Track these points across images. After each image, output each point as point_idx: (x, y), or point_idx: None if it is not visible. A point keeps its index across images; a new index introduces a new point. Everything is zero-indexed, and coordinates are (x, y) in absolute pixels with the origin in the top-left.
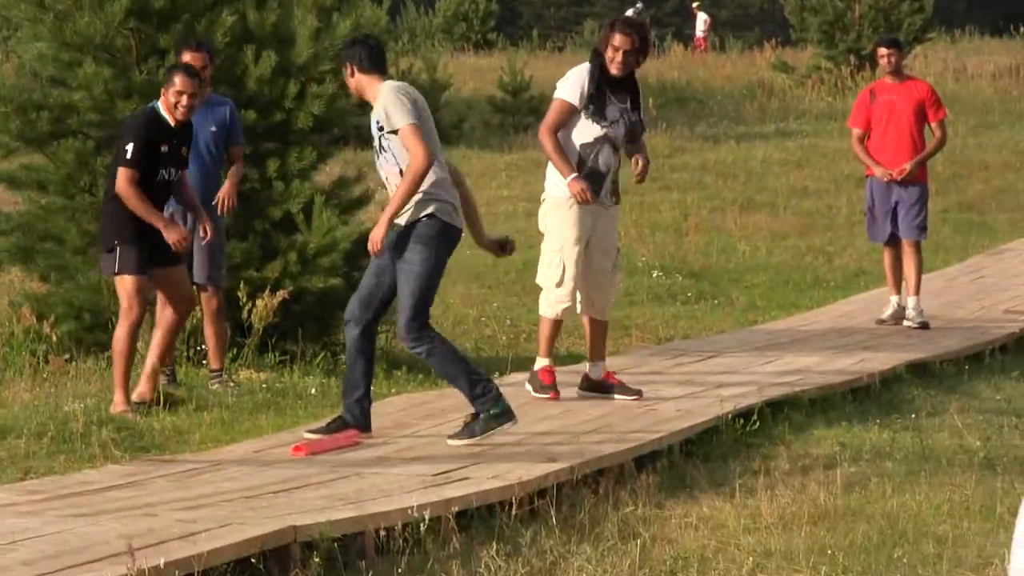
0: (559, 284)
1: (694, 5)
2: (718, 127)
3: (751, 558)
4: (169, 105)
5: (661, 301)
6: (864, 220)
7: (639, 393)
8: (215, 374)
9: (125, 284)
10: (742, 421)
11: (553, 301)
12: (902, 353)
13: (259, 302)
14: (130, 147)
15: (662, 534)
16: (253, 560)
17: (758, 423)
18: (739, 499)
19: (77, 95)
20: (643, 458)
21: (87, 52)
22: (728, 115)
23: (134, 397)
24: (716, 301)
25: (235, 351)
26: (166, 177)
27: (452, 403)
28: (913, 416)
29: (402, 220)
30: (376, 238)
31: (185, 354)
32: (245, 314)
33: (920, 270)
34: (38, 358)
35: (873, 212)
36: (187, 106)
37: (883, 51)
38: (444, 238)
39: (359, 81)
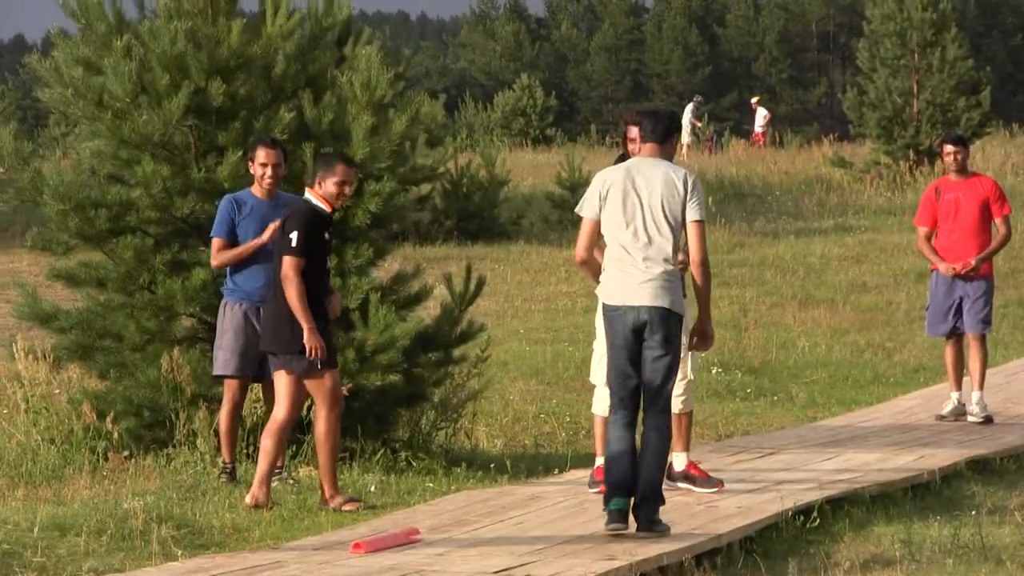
0: (607, 383)
1: (754, 101)
2: (777, 222)
3: None
4: (326, 195)
5: (721, 397)
6: (924, 315)
7: (720, 483)
8: (276, 471)
9: (327, 379)
10: (802, 518)
11: (603, 399)
12: (962, 449)
13: None
14: (295, 235)
15: None
16: None
17: (818, 520)
18: None
19: (135, 192)
20: (702, 555)
21: (145, 149)
22: (787, 210)
23: (247, 500)
24: (776, 397)
25: (294, 448)
26: (328, 265)
27: (511, 500)
28: (974, 513)
29: None
30: None
31: (244, 451)
32: (304, 411)
33: (985, 364)
34: (98, 455)
35: (935, 307)
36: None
37: (949, 149)
38: None
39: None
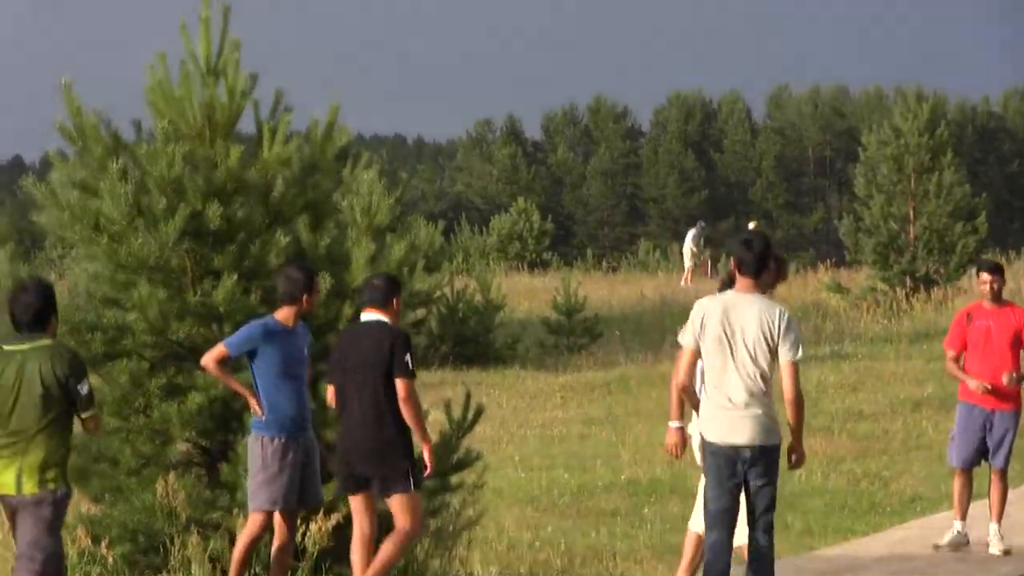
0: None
1: (751, 225)
2: None
3: None
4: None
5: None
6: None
7: None
8: None
9: (417, 500)
10: None
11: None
12: None
13: (313, 525)
14: (409, 358)
15: None
16: None
17: None
18: None
19: (131, 316)
20: None
21: (141, 273)
22: None
23: None
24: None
25: (289, 574)
26: None
27: None
28: None
29: None
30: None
31: None
32: (299, 537)
33: (1005, 497)
34: None
35: (964, 437)
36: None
37: (986, 277)
38: None
39: None
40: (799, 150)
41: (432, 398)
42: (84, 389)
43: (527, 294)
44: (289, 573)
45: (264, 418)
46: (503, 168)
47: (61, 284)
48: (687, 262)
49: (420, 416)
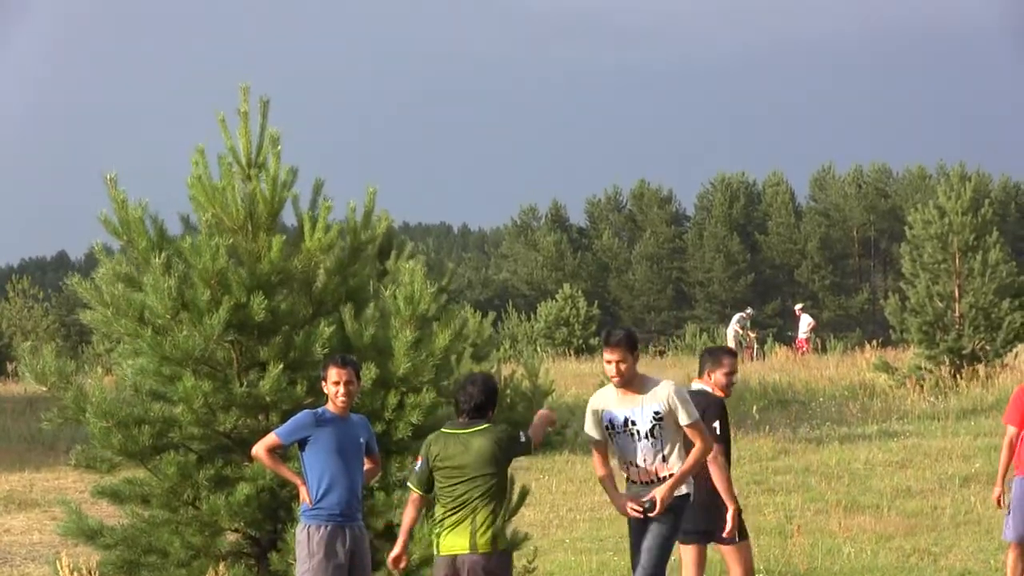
0: None
1: (798, 308)
2: (821, 429)
3: None
4: (722, 384)
5: None
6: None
7: None
8: None
9: (743, 549)
10: None
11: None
12: None
13: None
14: (717, 424)
15: None
16: None
17: None
18: None
19: (178, 408)
20: None
21: (187, 366)
22: (831, 416)
23: None
24: None
25: None
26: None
27: None
28: None
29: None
30: (664, 500)
31: None
32: None
33: None
34: None
35: (1017, 511)
36: (732, 384)
37: None
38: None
39: (635, 363)
40: (843, 231)
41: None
42: (522, 439)
43: (575, 379)
44: None
45: (312, 507)
46: (548, 255)
47: (108, 379)
48: (731, 344)
49: (725, 480)
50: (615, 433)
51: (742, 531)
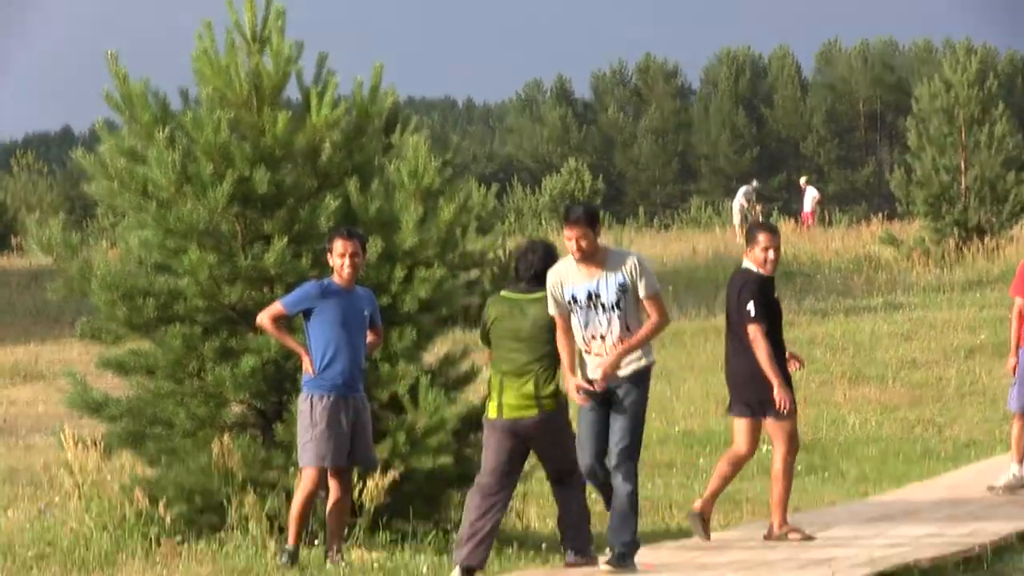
0: None
1: (803, 181)
2: (826, 301)
3: None
4: (759, 261)
5: (770, 475)
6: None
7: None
8: (329, 554)
9: (786, 424)
10: None
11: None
12: (1014, 523)
13: (369, 482)
14: (751, 305)
15: None
16: None
17: None
18: None
19: (183, 281)
20: None
21: (191, 238)
22: (836, 289)
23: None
24: (826, 474)
25: (347, 531)
26: (779, 324)
27: None
28: None
29: (626, 371)
30: (607, 374)
31: (305, 540)
32: (356, 494)
33: None
34: (150, 541)
35: (1022, 381)
36: (775, 260)
37: None
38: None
39: (596, 238)
40: (849, 104)
41: (486, 356)
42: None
43: None
44: (347, 530)
45: (315, 377)
46: (553, 129)
47: (113, 252)
48: (736, 218)
49: (768, 357)
50: (578, 308)
51: (794, 408)
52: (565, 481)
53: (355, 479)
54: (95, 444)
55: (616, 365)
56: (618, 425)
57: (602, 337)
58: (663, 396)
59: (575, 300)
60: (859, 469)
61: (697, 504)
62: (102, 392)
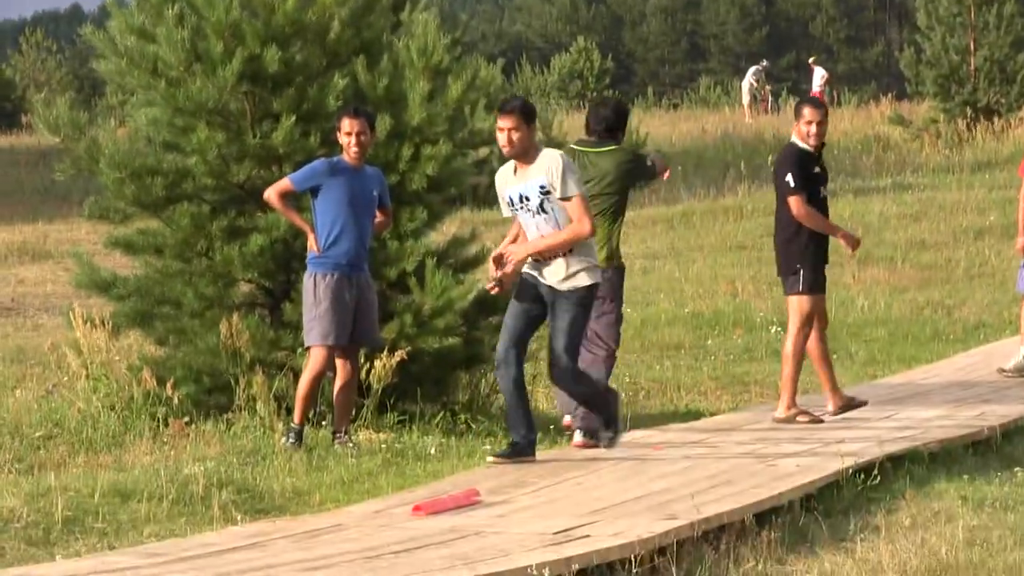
0: None
1: (811, 60)
2: (835, 181)
3: None
4: (803, 135)
5: (779, 356)
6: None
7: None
8: (338, 435)
9: (803, 303)
10: (863, 476)
11: None
12: (1023, 405)
13: (377, 363)
14: (790, 177)
15: None
16: None
17: (879, 478)
18: (860, 554)
19: (191, 160)
20: (764, 514)
21: (200, 117)
22: (845, 169)
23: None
24: (835, 356)
25: (354, 412)
26: (823, 193)
27: (569, 461)
28: None
29: (567, 284)
30: (515, 259)
31: (312, 418)
32: (364, 374)
33: None
34: (158, 421)
35: None
36: (819, 134)
37: None
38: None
39: (530, 135)
40: None
41: (495, 236)
42: (647, 163)
43: None
44: (354, 411)
45: (320, 255)
46: (562, 8)
47: (121, 131)
48: (746, 98)
49: (816, 223)
50: (516, 211)
51: (814, 286)
52: (593, 352)
53: (362, 360)
54: (103, 324)
55: (523, 259)
56: (553, 343)
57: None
58: (671, 277)
59: (511, 203)
60: (868, 351)
61: (829, 407)
62: (110, 271)
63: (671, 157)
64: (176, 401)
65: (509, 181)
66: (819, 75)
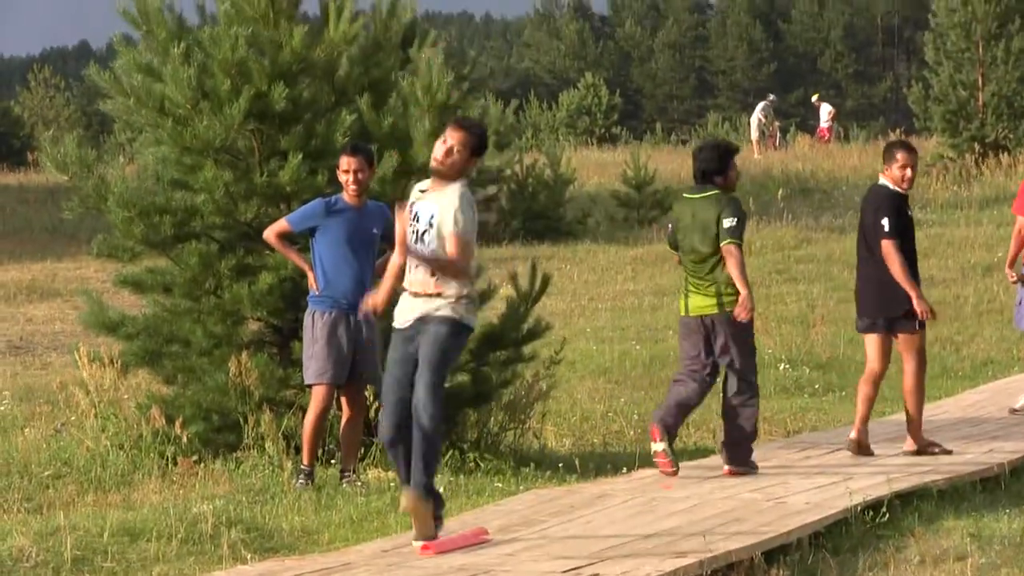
0: None
1: (815, 99)
2: (843, 217)
3: None
4: (896, 179)
5: (788, 393)
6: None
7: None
8: (345, 474)
9: (918, 340)
10: (871, 513)
11: None
12: None
13: None
14: (886, 221)
15: None
16: None
17: (887, 515)
18: None
19: (199, 198)
20: (772, 552)
21: (207, 155)
22: (854, 205)
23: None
24: (844, 393)
25: (363, 450)
26: (911, 238)
27: (579, 499)
28: None
29: (434, 313)
30: (376, 302)
31: (321, 457)
32: (371, 413)
33: None
34: (167, 460)
35: None
36: (912, 178)
37: None
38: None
39: (466, 163)
40: (867, 19)
41: (503, 273)
42: (728, 223)
43: (596, 169)
44: (362, 450)
45: (318, 294)
46: (571, 44)
47: (130, 168)
48: (754, 133)
49: (903, 270)
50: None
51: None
52: (741, 390)
53: (370, 399)
54: (112, 362)
55: (385, 299)
56: (424, 355)
57: (414, 267)
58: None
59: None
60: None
61: (852, 434)
62: (118, 311)
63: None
64: (185, 440)
65: (420, 194)
66: (826, 111)
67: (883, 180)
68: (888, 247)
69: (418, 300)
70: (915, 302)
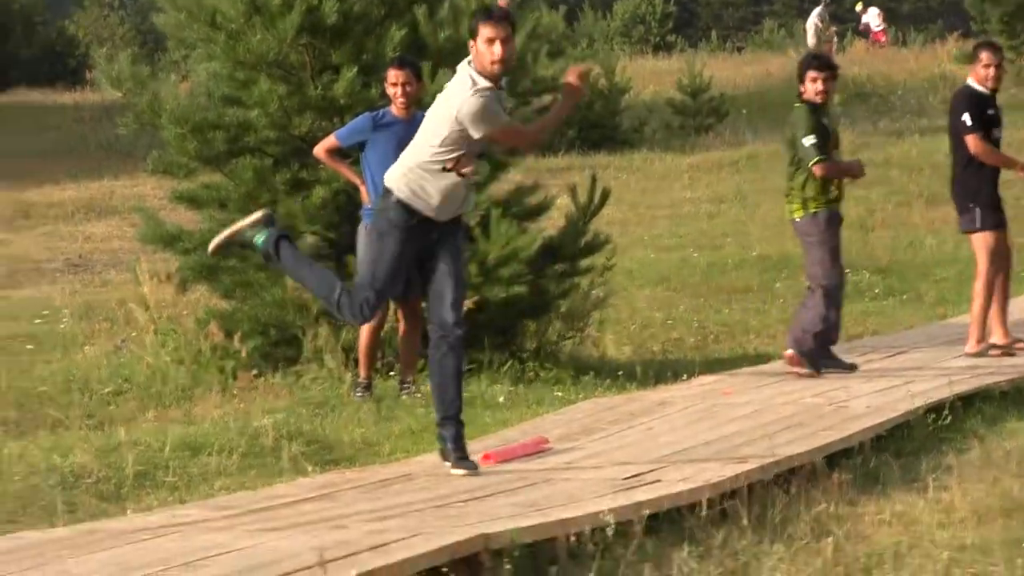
0: None
1: (858, 7)
2: (901, 121)
3: (946, 553)
4: (980, 78)
5: (849, 299)
6: None
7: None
8: (404, 385)
9: (986, 240)
10: (933, 416)
11: None
12: None
13: None
14: (967, 116)
15: (855, 532)
16: (444, 569)
17: (949, 417)
18: (932, 494)
19: (253, 113)
20: (834, 456)
21: (261, 70)
22: (911, 109)
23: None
24: (904, 296)
25: (422, 362)
26: (996, 135)
27: (639, 407)
28: None
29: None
30: None
31: (377, 368)
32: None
33: None
34: (226, 375)
35: None
36: (997, 77)
37: None
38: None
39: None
40: None
41: (559, 183)
42: (806, 142)
43: (652, 77)
44: (420, 360)
45: (371, 206)
46: None
47: (183, 85)
48: (811, 40)
49: (995, 158)
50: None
51: (998, 221)
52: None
53: None
54: (170, 279)
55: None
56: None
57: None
58: (738, 220)
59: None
60: (937, 291)
61: (998, 340)
62: (175, 225)
63: (736, 100)
64: (244, 354)
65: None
66: (874, 13)
67: (969, 80)
68: (972, 140)
69: None
70: (1017, 167)
